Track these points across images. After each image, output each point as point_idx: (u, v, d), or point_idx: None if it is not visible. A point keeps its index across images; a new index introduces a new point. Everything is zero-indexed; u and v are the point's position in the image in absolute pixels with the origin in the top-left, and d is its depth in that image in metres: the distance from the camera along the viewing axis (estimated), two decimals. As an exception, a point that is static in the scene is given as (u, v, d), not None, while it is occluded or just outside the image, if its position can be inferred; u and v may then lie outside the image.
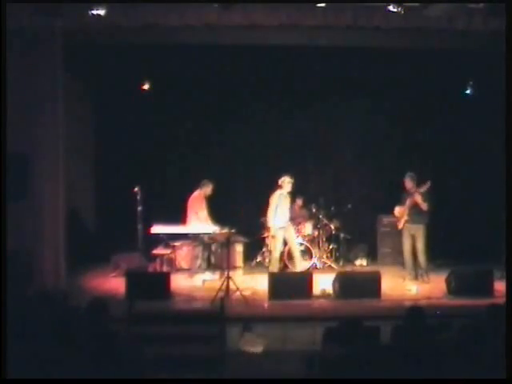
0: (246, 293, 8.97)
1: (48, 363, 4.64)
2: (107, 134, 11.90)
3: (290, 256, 10.70)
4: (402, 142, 12.15)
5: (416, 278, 9.96)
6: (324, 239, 11.38)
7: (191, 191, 10.31)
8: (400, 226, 10.05)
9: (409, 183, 9.96)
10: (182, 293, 9.13)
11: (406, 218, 9.93)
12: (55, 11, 8.45)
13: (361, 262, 11.50)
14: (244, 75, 11.50)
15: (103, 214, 11.96)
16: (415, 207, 9.86)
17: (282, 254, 10.82)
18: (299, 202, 11.45)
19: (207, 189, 10.26)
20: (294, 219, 11.13)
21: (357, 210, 11.53)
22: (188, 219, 10.12)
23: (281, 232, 10.21)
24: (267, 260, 11.20)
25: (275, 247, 10.26)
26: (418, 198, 9.77)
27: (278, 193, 10.23)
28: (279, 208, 10.17)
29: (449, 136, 12.10)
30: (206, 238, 10.19)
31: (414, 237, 9.94)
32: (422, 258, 9.91)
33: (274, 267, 10.11)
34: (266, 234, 11.16)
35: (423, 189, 9.78)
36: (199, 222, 10.09)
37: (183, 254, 10.88)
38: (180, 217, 10.16)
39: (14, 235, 8.69)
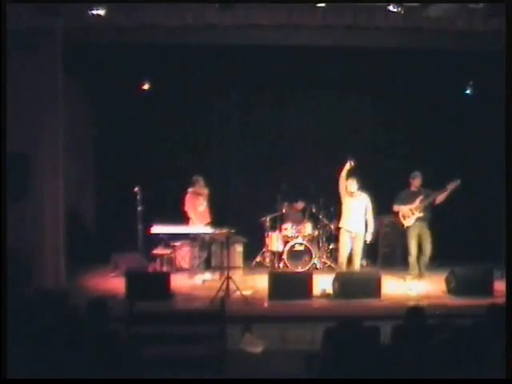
0: (246, 293, 8.97)
1: (48, 363, 4.64)
2: (107, 134, 11.90)
3: (289, 256, 10.71)
4: (401, 141, 12.14)
5: (420, 276, 9.98)
6: (324, 239, 11.37)
7: (185, 191, 10.32)
8: (408, 223, 10.04)
9: (418, 181, 10.07)
10: (181, 293, 9.13)
11: (418, 215, 9.96)
12: (55, 11, 8.45)
13: (361, 262, 11.48)
14: (244, 75, 11.49)
15: (103, 214, 11.96)
16: (430, 205, 9.98)
17: (281, 253, 10.83)
18: (299, 205, 11.39)
19: (199, 184, 10.30)
20: (293, 221, 11.14)
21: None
22: (190, 217, 10.18)
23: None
24: (268, 260, 11.22)
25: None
26: (443, 196, 9.91)
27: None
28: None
29: (448, 136, 12.10)
30: (205, 238, 10.21)
31: (421, 235, 10.00)
32: (429, 255, 10.00)
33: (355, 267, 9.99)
34: (266, 234, 11.18)
35: (452, 186, 9.87)
36: (200, 218, 10.13)
37: (183, 253, 10.89)
38: (180, 217, 10.17)
39: (15, 235, 8.69)
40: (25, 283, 8.41)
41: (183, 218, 10.20)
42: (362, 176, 11.91)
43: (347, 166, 9.64)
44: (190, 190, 10.32)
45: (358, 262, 9.94)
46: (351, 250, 9.92)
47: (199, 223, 10.10)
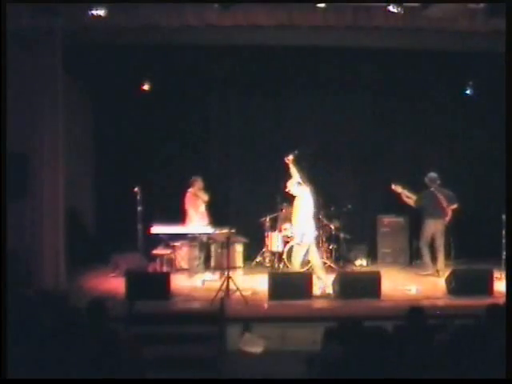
0: (246, 293, 8.97)
1: (48, 363, 4.64)
2: (107, 134, 11.90)
3: (289, 256, 10.69)
4: (401, 141, 12.16)
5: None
6: (324, 239, 11.36)
7: (184, 191, 10.34)
8: None
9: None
10: (182, 293, 9.13)
11: None
12: (55, 11, 8.45)
13: (361, 262, 11.50)
14: (244, 75, 11.50)
15: (103, 214, 11.96)
16: None
17: (281, 253, 10.82)
18: None
19: (198, 184, 10.33)
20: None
21: (357, 210, 11.52)
22: (188, 217, 10.20)
23: None
24: (268, 260, 11.22)
25: None
26: None
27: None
28: None
29: (448, 136, 12.11)
30: (205, 238, 10.21)
31: None
32: None
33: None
34: (266, 234, 11.18)
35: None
36: (199, 218, 10.16)
37: (183, 254, 10.89)
38: (180, 217, 10.18)
39: (14, 235, 8.69)
40: (25, 284, 8.40)
41: (183, 218, 10.20)
42: (362, 176, 11.97)
43: (287, 162, 9.46)
44: (189, 190, 10.34)
45: (293, 261, 9.62)
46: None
47: (199, 223, 10.11)
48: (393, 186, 10.38)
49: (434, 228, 10.24)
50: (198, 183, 10.34)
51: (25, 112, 9.13)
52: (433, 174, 10.32)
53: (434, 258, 10.34)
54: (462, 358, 4.79)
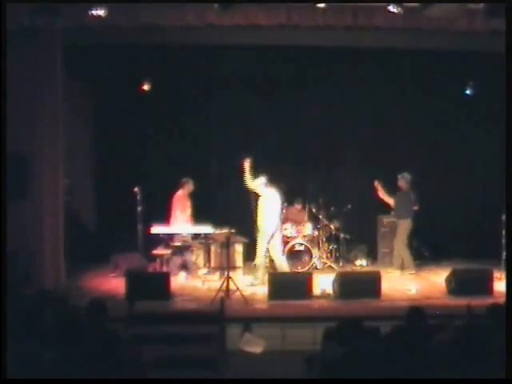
0: (246, 293, 8.97)
1: (48, 363, 4.64)
2: (107, 134, 11.90)
3: (289, 256, 10.69)
4: (401, 141, 12.16)
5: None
6: (324, 239, 11.37)
7: (174, 191, 10.33)
8: None
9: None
10: (182, 293, 9.13)
11: None
12: (55, 11, 8.46)
13: (361, 263, 11.49)
14: (244, 75, 11.49)
15: (103, 214, 11.96)
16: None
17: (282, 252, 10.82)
18: (299, 206, 11.42)
19: (189, 187, 10.32)
20: (293, 221, 11.14)
21: (357, 210, 11.52)
22: (173, 218, 10.16)
23: None
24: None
25: None
26: None
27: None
28: None
29: (449, 136, 12.11)
30: (205, 238, 10.21)
31: None
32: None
33: None
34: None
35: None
36: (185, 220, 10.16)
37: (183, 254, 10.87)
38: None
39: (14, 235, 8.69)
40: (25, 283, 8.41)
41: (167, 218, 10.19)
42: (362, 176, 11.97)
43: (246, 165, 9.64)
44: (180, 191, 10.31)
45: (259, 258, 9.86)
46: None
47: (184, 225, 10.09)
48: (375, 183, 10.60)
49: (408, 228, 10.41)
50: (189, 185, 10.31)
51: (25, 112, 9.14)
52: (406, 174, 10.49)
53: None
54: (462, 358, 4.79)
